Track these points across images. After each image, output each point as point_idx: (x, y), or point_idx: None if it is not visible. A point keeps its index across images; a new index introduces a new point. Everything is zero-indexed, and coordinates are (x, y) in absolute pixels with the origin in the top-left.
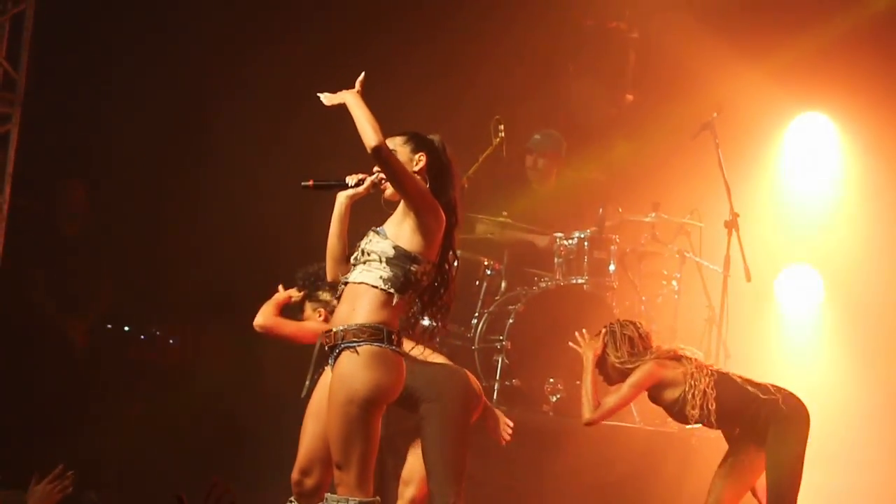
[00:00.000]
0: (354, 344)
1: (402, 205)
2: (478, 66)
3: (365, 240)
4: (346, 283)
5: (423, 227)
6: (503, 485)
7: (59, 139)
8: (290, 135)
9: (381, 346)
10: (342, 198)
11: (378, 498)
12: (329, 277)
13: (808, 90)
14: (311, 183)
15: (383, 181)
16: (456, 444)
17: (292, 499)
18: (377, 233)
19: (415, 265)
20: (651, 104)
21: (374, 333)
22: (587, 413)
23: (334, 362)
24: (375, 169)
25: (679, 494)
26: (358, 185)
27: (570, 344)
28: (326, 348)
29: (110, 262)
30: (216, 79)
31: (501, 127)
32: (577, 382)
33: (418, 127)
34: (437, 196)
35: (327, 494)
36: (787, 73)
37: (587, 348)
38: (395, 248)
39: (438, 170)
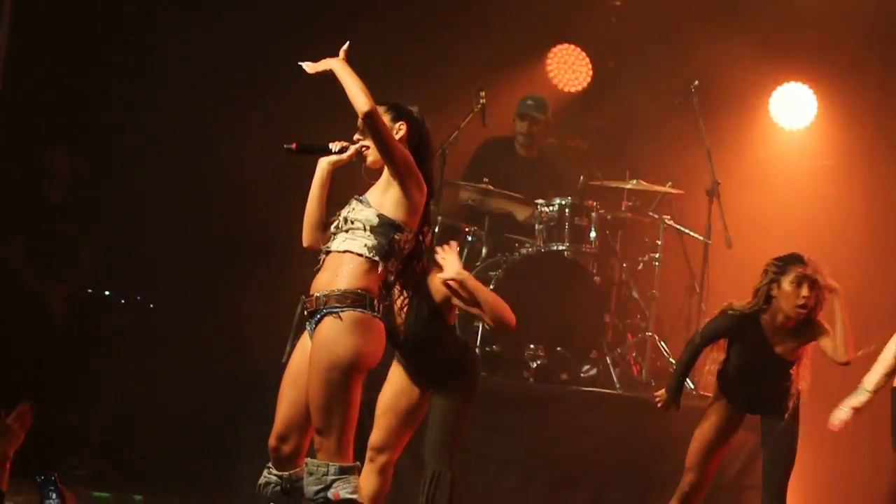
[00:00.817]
0: (337, 309)
1: (385, 174)
2: (458, 33)
3: (347, 208)
4: (328, 252)
5: (407, 195)
6: (482, 452)
7: (42, 106)
8: (274, 101)
9: (363, 312)
10: (324, 163)
11: (358, 463)
12: (305, 243)
13: (790, 60)
14: (294, 146)
15: (366, 149)
16: (463, 421)
17: (269, 465)
18: (360, 201)
19: (398, 233)
20: (632, 72)
21: (356, 299)
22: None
23: (315, 327)
24: (357, 137)
25: (660, 460)
26: (341, 151)
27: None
28: (306, 313)
29: (93, 229)
30: (199, 47)
31: (483, 94)
32: (558, 349)
33: (399, 96)
34: (417, 166)
35: (307, 460)
36: (768, 43)
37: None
38: (380, 216)
39: (418, 140)
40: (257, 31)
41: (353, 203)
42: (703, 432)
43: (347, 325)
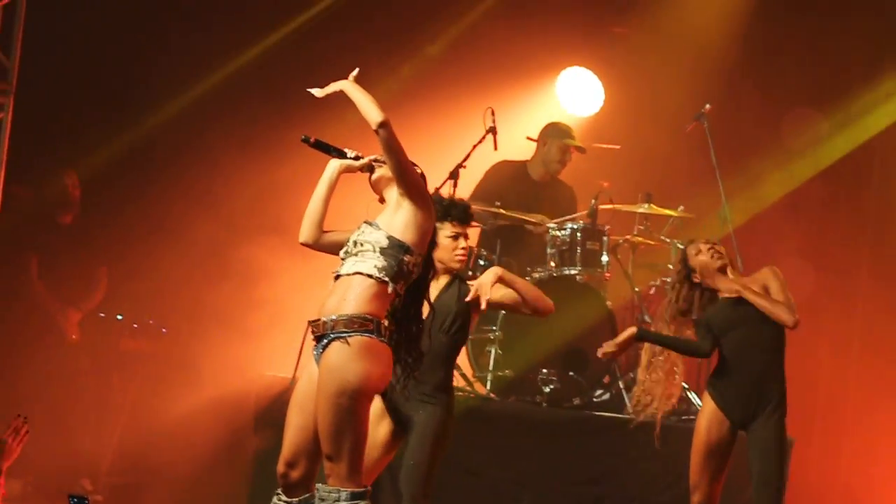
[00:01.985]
0: (345, 334)
1: (395, 196)
2: (468, 56)
3: (357, 232)
4: (337, 277)
5: (416, 217)
6: (497, 476)
7: (52, 127)
8: (294, 124)
9: (371, 337)
10: (335, 164)
11: (369, 488)
12: (301, 238)
13: (799, 87)
14: (312, 139)
15: (378, 164)
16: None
17: (279, 491)
18: (370, 224)
19: (408, 255)
20: (643, 95)
21: (363, 324)
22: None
23: (321, 352)
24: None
25: (674, 484)
26: (356, 159)
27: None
28: (313, 337)
29: (105, 251)
30: (214, 66)
31: (493, 117)
32: (570, 373)
33: (410, 119)
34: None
35: (319, 486)
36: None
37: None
38: (389, 237)
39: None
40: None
41: (363, 227)
42: (695, 446)
43: (355, 350)
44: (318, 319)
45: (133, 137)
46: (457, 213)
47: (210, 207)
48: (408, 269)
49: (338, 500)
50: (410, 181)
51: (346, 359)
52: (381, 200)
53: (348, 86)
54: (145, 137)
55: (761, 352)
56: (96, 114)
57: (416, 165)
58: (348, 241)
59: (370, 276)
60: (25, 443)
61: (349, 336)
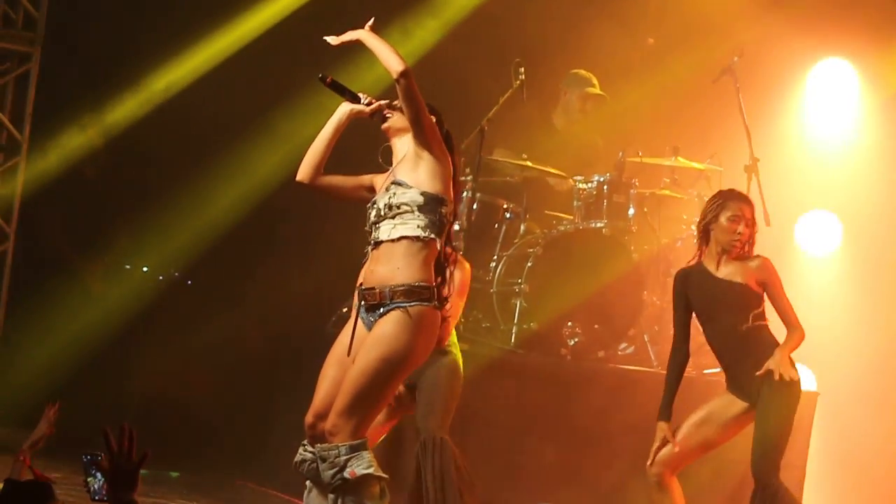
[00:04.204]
0: (405, 304)
1: (412, 150)
2: (497, 8)
3: (385, 195)
4: (377, 243)
5: (439, 166)
6: (519, 428)
7: (78, 79)
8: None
9: (428, 305)
10: (346, 108)
11: (367, 438)
12: (299, 177)
13: (830, 36)
14: (328, 78)
15: (390, 112)
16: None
17: (305, 442)
18: (399, 184)
19: (444, 207)
20: (672, 47)
21: (422, 293)
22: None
23: (377, 320)
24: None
25: None
26: (369, 105)
27: None
28: (364, 304)
29: (129, 205)
30: (241, 18)
31: (522, 70)
32: (595, 326)
33: (437, 73)
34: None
35: (319, 446)
36: (808, 19)
37: None
38: (423, 193)
39: (445, 135)
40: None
41: (392, 188)
42: (694, 412)
43: (414, 323)
44: (373, 288)
45: (159, 89)
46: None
47: (236, 160)
48: (446, 220)
49: (338, 456)
50: (429, 131)
51: (402, 330)
52: (388, 141)
53: (366, 35)
54: (172, 88)
55: (735, 319)
56: (122, 66)
57: (436, 115)
58: (376, 204)
59: (417, 237)
60: (53, 426)
61: (409, 307)
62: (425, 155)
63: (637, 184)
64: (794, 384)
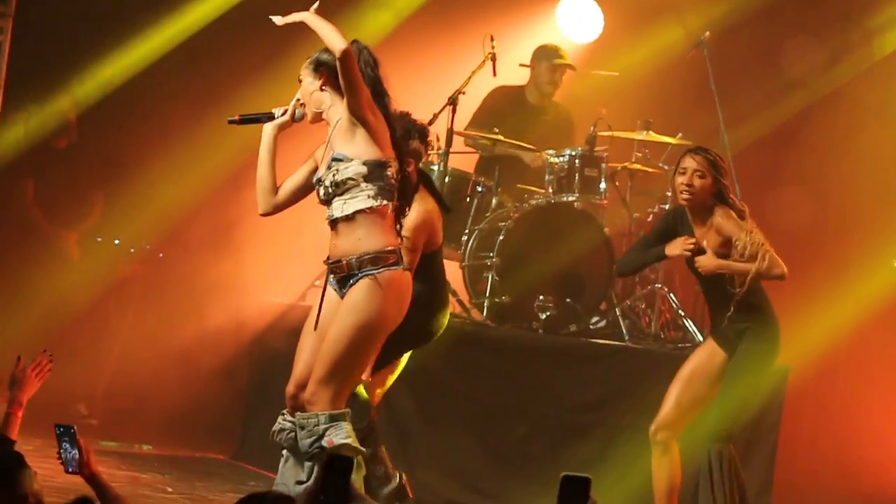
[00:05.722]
0: (374, 271)
1: (346, 120)
2: None
3: (329, 172)
4: (333, 220)
5: (373, 129)
6: (492, 402)
7: (49, 51)
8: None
9: (396, 269)
10: (269, 128)
11: (348, 409)
12: (261, 210)
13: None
14: (237, 117)
15: (302, 105)
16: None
17: (284, 411)
18: (339, 160)
19: (388, 169)
20: (644, 22)
21: (388, 257)
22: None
23: (347, 288)
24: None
25: None
26: (284, 114)
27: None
28: (334, 278)
29: (100, 176)
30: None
31: (493, 43)
32: (567, 300)
33: (407, 46)
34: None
35: (298, 414)
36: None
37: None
38: (365, 163)
39: (372, 81)
40: None
41: (332, 164)
42: (680, 370)
43: (385, 288)
44: (339, 261)
45: (130, 60)
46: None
47: (208, 132)
48: (394, 179)
49: (317, 424)
50: (364, 103)
51: (373, 296)
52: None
53: (310, 16)
54: (142, 61)
55: (720, 277)
56: (94, 38)
57: (374, 65)
58: (323, 182)
59: (371, 208)
60: (45, 379)
61: (378, 272)
62: (358, 124)
63: (608, 157)
64: (771, 344)
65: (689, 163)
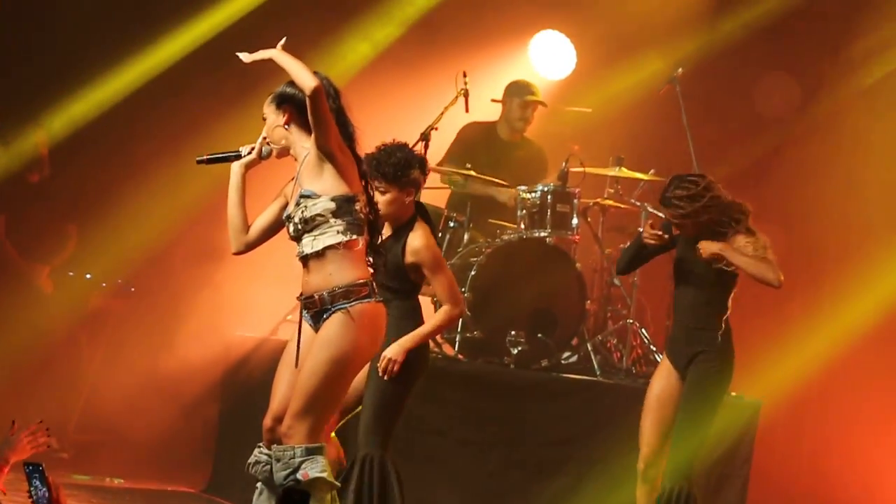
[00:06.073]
0: (346, 305)
1: (314, 155)
2: (441, 18)
3: (296, 210)
4: (304, 257)
5: (340, 166)
6: (462, 437)
7: (21, 85)
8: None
9: (370, 302)
10: (237, 167)
11: (324, 444)
12: (234, 250)
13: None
14: (205, 157)
15: (267, 143)
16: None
17: (261, 444)
18: (307, 197)
19: (356, 203)
20: (617, 59)
21: (360, 290)
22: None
23: (320, 322)
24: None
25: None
26: (251, 152)
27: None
28: (308, 314)
29: (73, 211)
30: (189, 22)
31: (466, 79)
32: (539, 335)
33: (380, 80)
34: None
35: (274, 447)
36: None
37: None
38: (334, 199)
39: (336, 112)
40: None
41: (301, 201)
42: (646, 399)
43: (358, 322)
44: (312, 296)
45: (102, 96)
46: (381, 169)
47: (180, 166)
48: (362, 214)
49: (293, 458)
50: (333, 140)
51: (346, 330)
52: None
53: (278, 54)
54: (115, 96)
55: (697, 290)
56: (66, 72)
57: (335, 96)
58: (292, 219)
59: (340, 244)
60: (38, 450)
61: (350, 306)
62: (326, 160)
63: (580, 193)
64: (720, 375)
65: (666, 213)
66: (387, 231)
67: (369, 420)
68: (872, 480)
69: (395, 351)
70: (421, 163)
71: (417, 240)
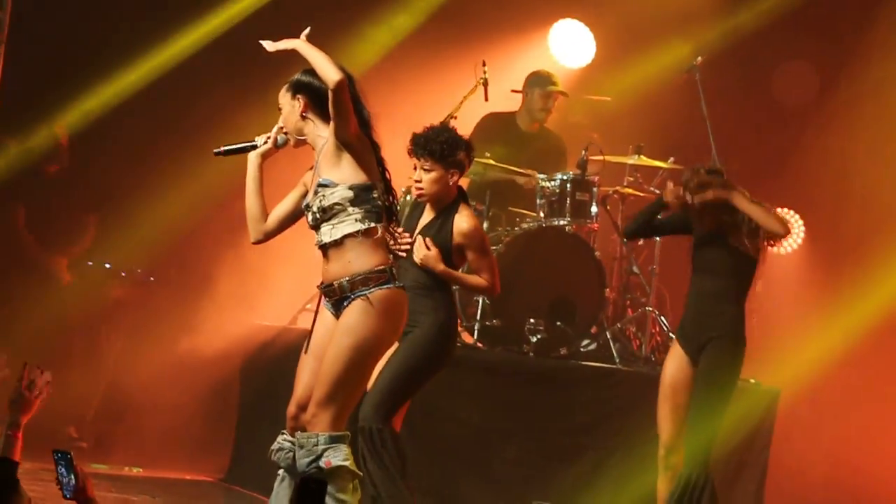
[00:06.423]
0: (365, 291)
1: (332, 145)
2: (461, 6)
3: (315, 198)
4: (323, 246)
5: (359, 154)
6: (483, 425)
7: (41, 77)
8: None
9: (390, 288)
10: (254, 157)
11: (348, 432)
12: (253, 239)
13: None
14: (221, 149)
15: (284, 132)
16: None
17: (284, 432)
18: (325, 185)
19: (375, 192)
20: (636, 47)
21: (379, 276)
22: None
23: (341, 310)
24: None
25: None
26: (266, 142)
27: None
28: (329, 301)
29: (92, 201)
30: (207, 14)
31: (485, 68)
32: (558, 323)
33: (400, 69)
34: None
35: (298, 434)
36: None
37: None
38: (352, 187)
39: (354, 102)
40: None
41: (319, 190)
42: (660, 387)
43: (378, 308)
44: (332, 284)
45: (121, 87)
46: (429, 146)
47: (198, 156)
48: (381, 202)
49: (316, 445)
50: (352, 131)
51: (367, 317)
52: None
53: (302, 44)
54: (134, 87)
55: (713, 277)
56: (86, 63)
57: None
58: (311, 208)
59: (358, 231)
60: (46, 399)
61: (370, 292)
62: (344, 150)
63: (599, 182)
64: (730, 363)
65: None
66: (428, 213)
67: (382, 393)
68: (892, 469)
69: (438, 261)
70: (467, 146)
71: (465, 221)
